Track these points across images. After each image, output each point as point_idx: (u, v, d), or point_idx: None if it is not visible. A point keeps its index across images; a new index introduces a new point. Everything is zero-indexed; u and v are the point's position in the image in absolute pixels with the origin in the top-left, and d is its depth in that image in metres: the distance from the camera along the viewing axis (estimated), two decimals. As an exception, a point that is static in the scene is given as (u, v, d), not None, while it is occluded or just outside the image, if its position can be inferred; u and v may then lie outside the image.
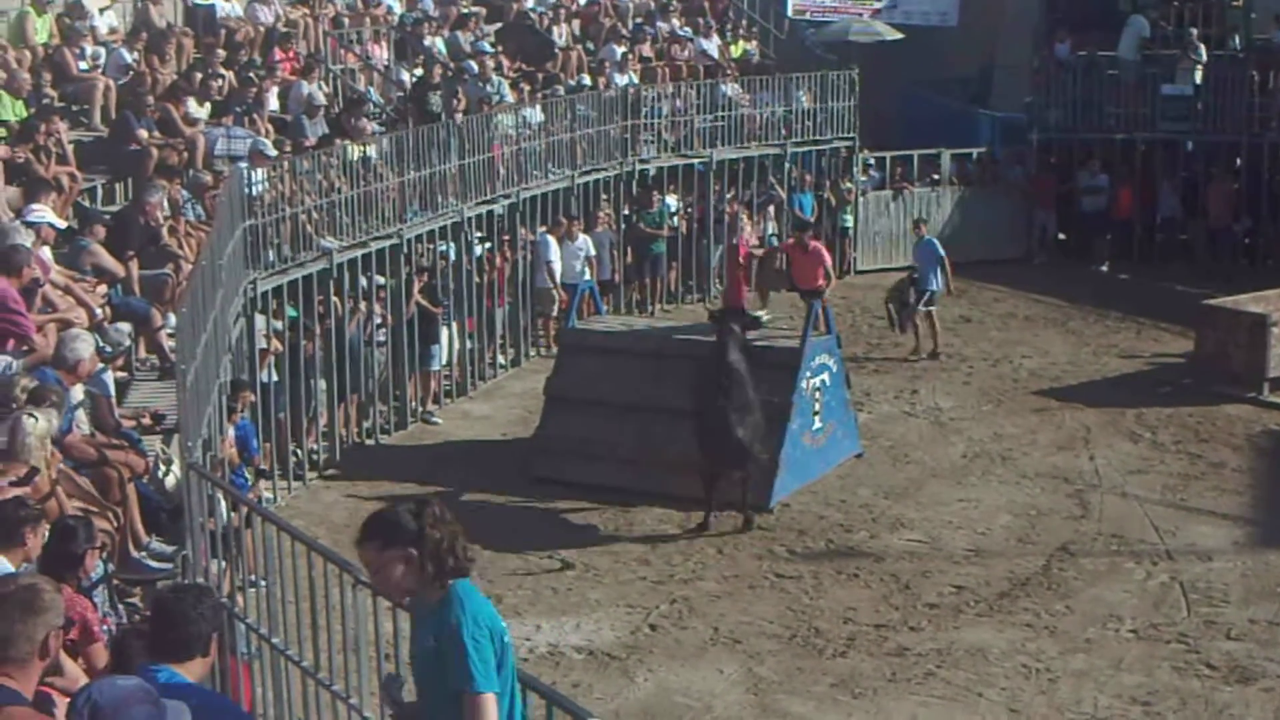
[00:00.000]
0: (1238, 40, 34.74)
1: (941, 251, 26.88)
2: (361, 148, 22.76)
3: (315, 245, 21.14)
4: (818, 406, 20.89)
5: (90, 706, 4.90)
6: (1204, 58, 33.04)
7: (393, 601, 7.32)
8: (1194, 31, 33.61)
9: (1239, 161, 32.64)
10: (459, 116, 25.09)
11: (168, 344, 16.59)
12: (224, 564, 10.76)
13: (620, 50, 31.89)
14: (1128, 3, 35.38)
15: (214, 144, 22.34)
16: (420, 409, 23.35)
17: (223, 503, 11.01)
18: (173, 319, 16.28)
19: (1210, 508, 20.17)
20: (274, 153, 22.26)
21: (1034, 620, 16.93)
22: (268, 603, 9.47)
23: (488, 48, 29.99)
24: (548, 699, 7.05)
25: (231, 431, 16.85)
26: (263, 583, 9.97)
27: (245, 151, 22.02)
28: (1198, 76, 33.00)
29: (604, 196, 28.20)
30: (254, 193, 20.07)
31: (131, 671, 6.81)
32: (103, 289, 16.73)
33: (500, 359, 25.77)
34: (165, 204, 19.47)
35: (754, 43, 35.86)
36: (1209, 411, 23.60)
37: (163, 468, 13.91)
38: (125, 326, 16.26)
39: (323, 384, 21.27)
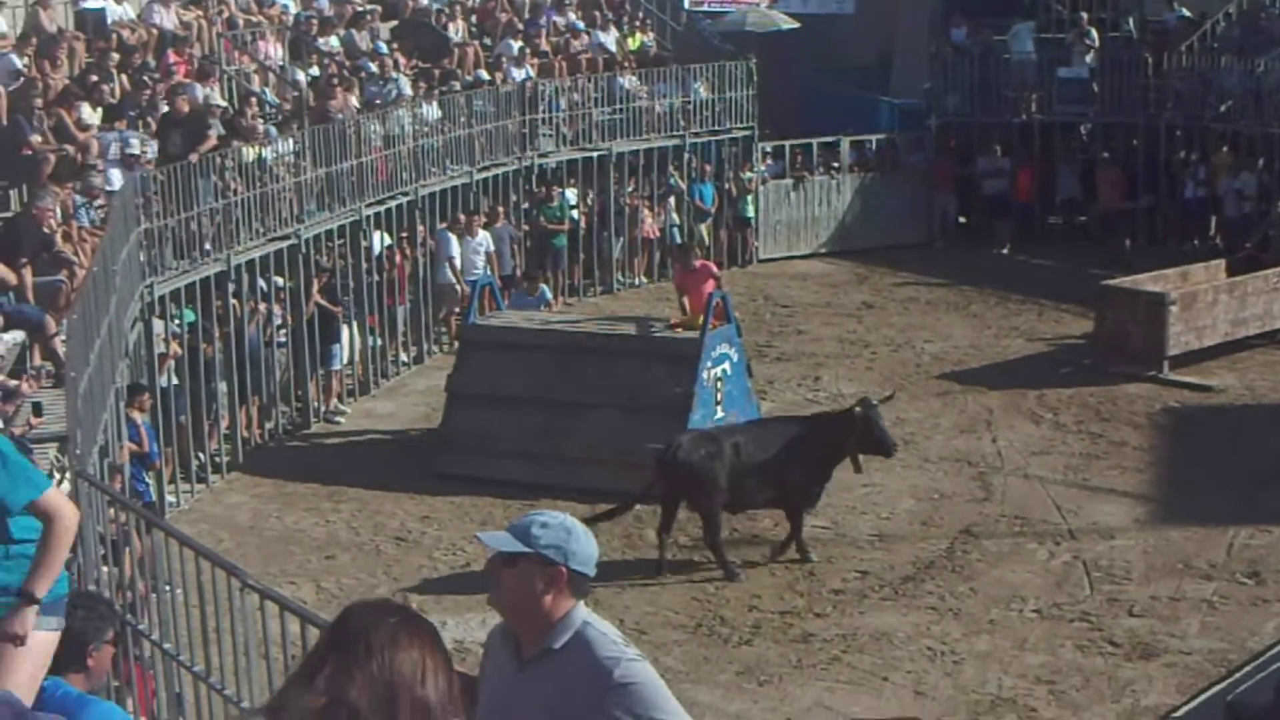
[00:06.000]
0: (1131, 23, 35.06)
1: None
2: (257, 149, 22.62)
3: (210, 249, 20.99)
4: (719, 396, 20.90)
5: None
6: (1096, 42, 33.34)
7: None
8: (1085, 16, 33.87)
9: (1134, 142, 32.91)
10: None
11: (62, 350, 16.48)
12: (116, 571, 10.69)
13: (517, 45, 31.81)
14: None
15: (108, 148, 22.18)
16: (323, 409, 23.24)
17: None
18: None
19: (1112, 486, 20.35)
20: (144, 150, 22.05)
21: (938, 603, 17.04)
22: (158, 609, 9.43)
23: (383, 47, 29.84)
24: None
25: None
26: (166, 588, 9.92)
27: (137, 154, 21.83)
28: (1089, 59, 33.28)
29: (504, 192, 28.12)
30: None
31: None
32: (-6, 296, 16.62)
33: (403, 356, 25.68)
34: (58, 210, 19.33)
35: (651, 35, 35.82)
36: (1110, 391, 23.79)
37: (56, 475, 13.81)
38: (18, 334, 16.16)
39: (223, 386, 21.16)
